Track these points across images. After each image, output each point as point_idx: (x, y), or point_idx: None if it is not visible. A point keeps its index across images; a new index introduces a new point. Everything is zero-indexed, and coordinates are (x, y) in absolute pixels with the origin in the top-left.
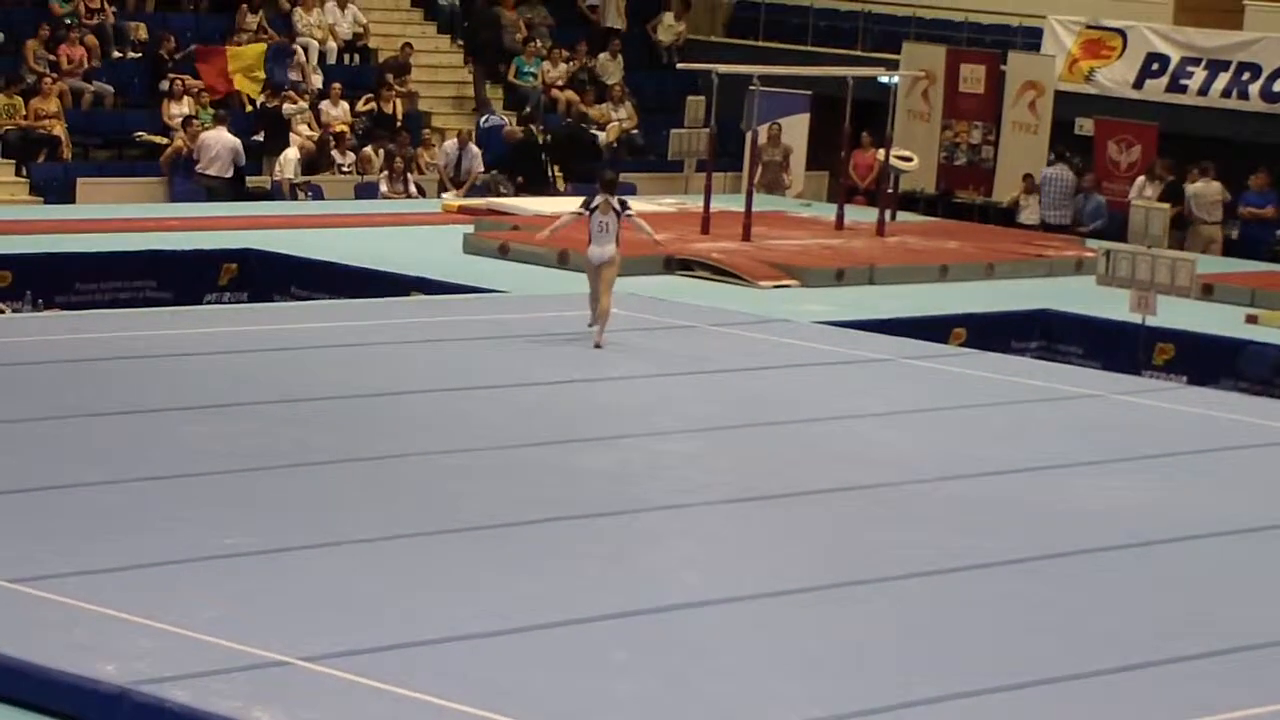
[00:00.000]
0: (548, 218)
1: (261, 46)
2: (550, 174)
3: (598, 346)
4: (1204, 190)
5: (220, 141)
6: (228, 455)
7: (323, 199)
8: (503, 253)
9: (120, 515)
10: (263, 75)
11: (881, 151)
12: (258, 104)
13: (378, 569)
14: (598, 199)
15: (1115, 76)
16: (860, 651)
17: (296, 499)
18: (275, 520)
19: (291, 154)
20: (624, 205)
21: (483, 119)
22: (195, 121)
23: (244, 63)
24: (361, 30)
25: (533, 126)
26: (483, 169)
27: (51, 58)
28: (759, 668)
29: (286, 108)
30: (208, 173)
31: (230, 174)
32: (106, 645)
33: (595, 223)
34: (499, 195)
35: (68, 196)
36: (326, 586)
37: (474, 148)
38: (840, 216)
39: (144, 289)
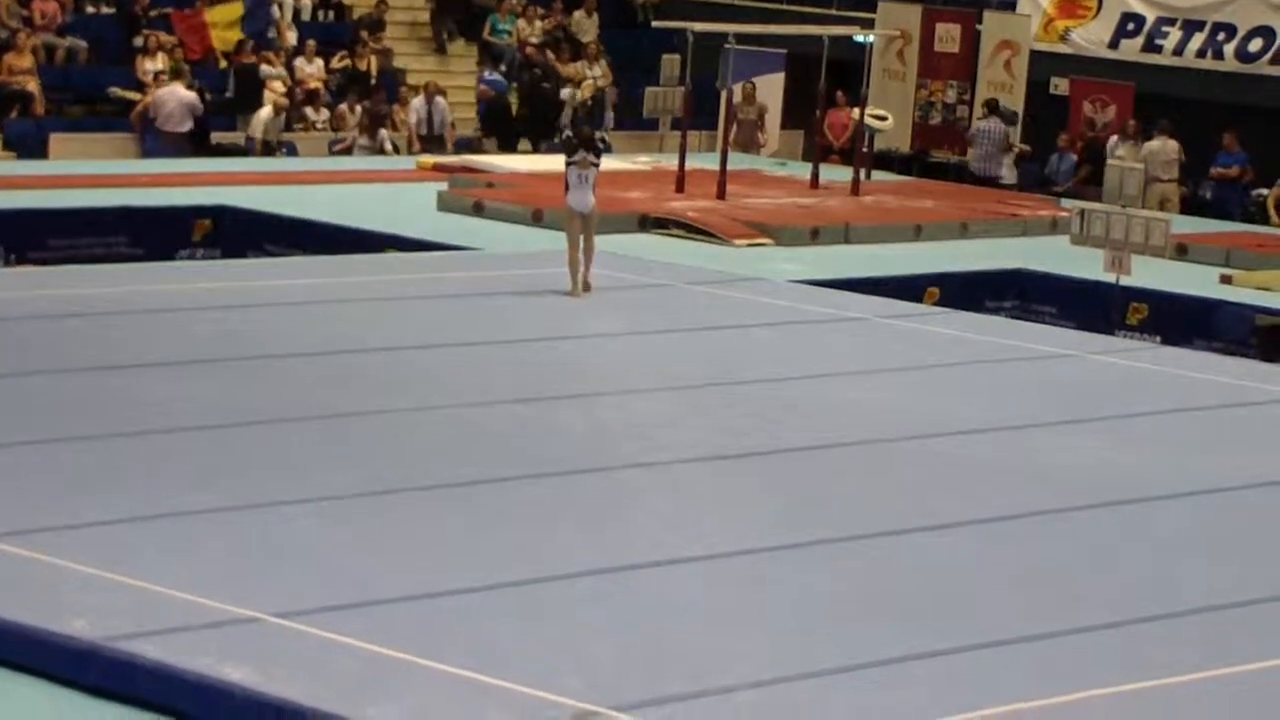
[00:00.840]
0: (523, 175)
1: (239, 7)
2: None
3: (587, 288)
4: (1160, 148)
5: (175, 97)
6: (199, 412)
7: (297, 156)
8: (477, 210)
9: (90, 472)
10: (239, 34)
11: (856, 110)
12: (232, 61)
13: (349, 526)
14: (577, 154)
15: (1090, 36)
16: (831, 609)
17: (268, 456)
18: (246, 477)
19: (265, 113)
20: (597, 152)
21: (486, 73)
22: (162, 76)
23: (223, 21)
24: None
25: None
26: (449, 120)
27: (25, 13)
28: (732, 625)
29: (264, 68)
30: (164, 129)
31: (187, 128)
32: (76, 601)
33: (574, 174)
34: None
35: (41, 152)
36: (298, 543)
37: (441, 101)
38: (815, 175)
39: (116, 245)
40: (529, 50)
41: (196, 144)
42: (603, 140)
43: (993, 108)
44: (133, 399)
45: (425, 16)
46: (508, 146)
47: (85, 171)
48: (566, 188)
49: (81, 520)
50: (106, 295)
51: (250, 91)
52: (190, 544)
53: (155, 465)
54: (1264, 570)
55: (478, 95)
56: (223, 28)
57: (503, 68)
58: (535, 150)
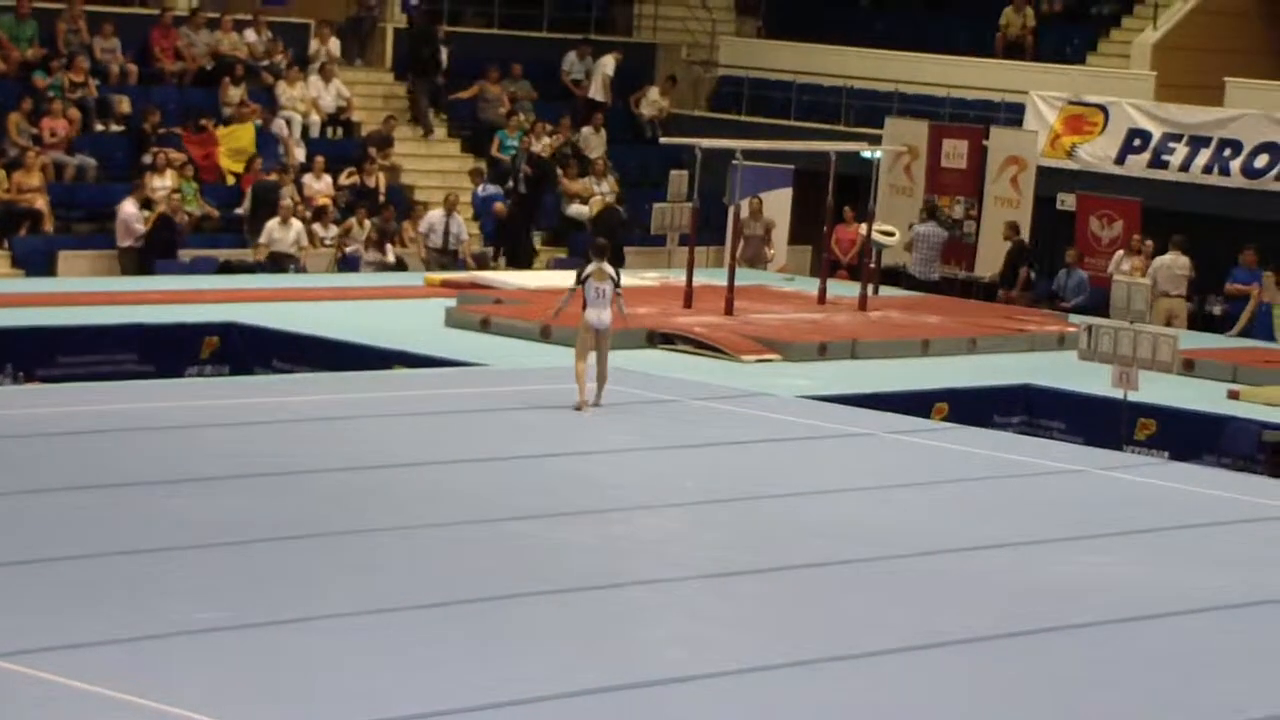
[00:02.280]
0: (531, 292)
1: (250, 129)
2: (534, 248)
3: (597, 405)
4: (1171, 263)
5: (121, 213)
6: (209, 529)
7: (304, 272)
8: (485, 326)
9: (101, 589)
10: (253, 150)
11: (864, 226)
12: (251, 181)
13: (359, 645)
14: (591, 266)
15: (1097, 152)
16: None
17: (278, 573)
18: (256, 595)
19: (273, 224)
20: (617, 278)
21: (479, 188)
22: (175, 195)
23: (236, 144)
24: (345, 104)
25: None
26: (465, 237)
27: (34, 130)
28: None
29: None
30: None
31: (127, 245)
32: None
33: (591, 289)
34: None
35: (49, 269)
36: (308, 662)
37: (458, 217)
38: (823, 291)
39: (125, 362)
40: (531, 149)
41: (144, 260)
42: (615, 273)
43: (931, 212)
44: (140, 516)
45: (435, 133)
46: (520, 261)
47: (93, 289)
48: (584, 304)
49: (86, 639)
50: (115, 412)
51: (269, 210)
52: (197, 662)
53: (162, 582)
54: (1270, 688)
55: (494, 213)
56: (235, 150)
57: (510, 183)
58: (516, 259)
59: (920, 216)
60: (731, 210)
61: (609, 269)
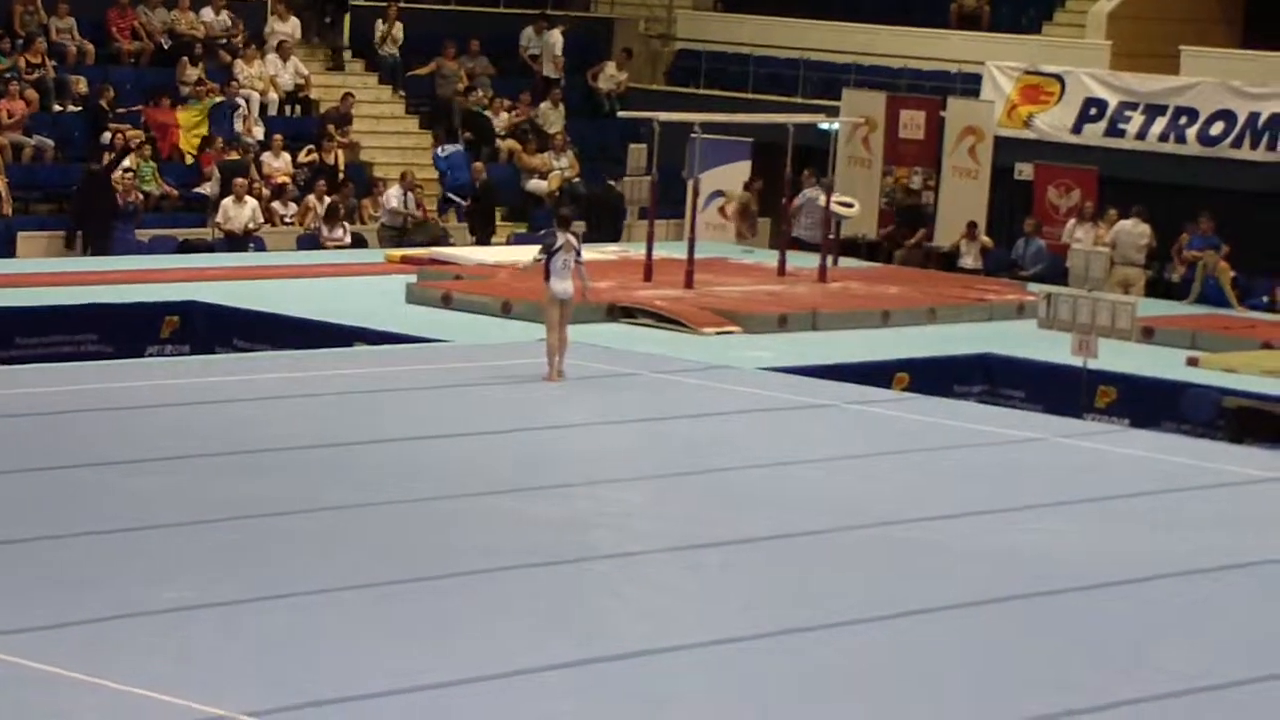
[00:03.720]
0: (491, 267)
1: (204, 109)
2: (495, 223)
3: (560, 375)
4: (1131, 231)
5: None
6: (171, 509)
7: (264, 250)
8: (445, 302)
9: (63, 570)
10: (205, 131)
11: (823, 197)
12: (212, 160)
13: (323, 621)
14: (560, 239)
15: (1054, 121)
16: (803, 697)
17: (241, 552)
18: (220, 573)
19: (228, 202)
20: (579, 250)
21: (439, 149)
22: (129, 175)
23: (190, 121)
24: (303, 81)
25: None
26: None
27: None
28: (705, 714)
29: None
30: None
31: None
32: (49, 704)
33: (559, 260)
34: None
35: (8, 251)
36: (273, 640)
37: (412, 195)
38: (782, 262)
39: (85, 343)
40: (497, 142)
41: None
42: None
43: (817, 177)
44: (102, 496)
45: (390, 110)
46: (484, 235)
47: (52, 270)
48: (547, 274)
49: (54, 620)
50: (75, 393)
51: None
52: (162, 642)
53: (126, 562)
54: (1241, 650)
55: (473, 173)
56: (188, 128)
57: (459, 145)
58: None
59: (808, 182)
60: (690, 183)
61: (574, 241)
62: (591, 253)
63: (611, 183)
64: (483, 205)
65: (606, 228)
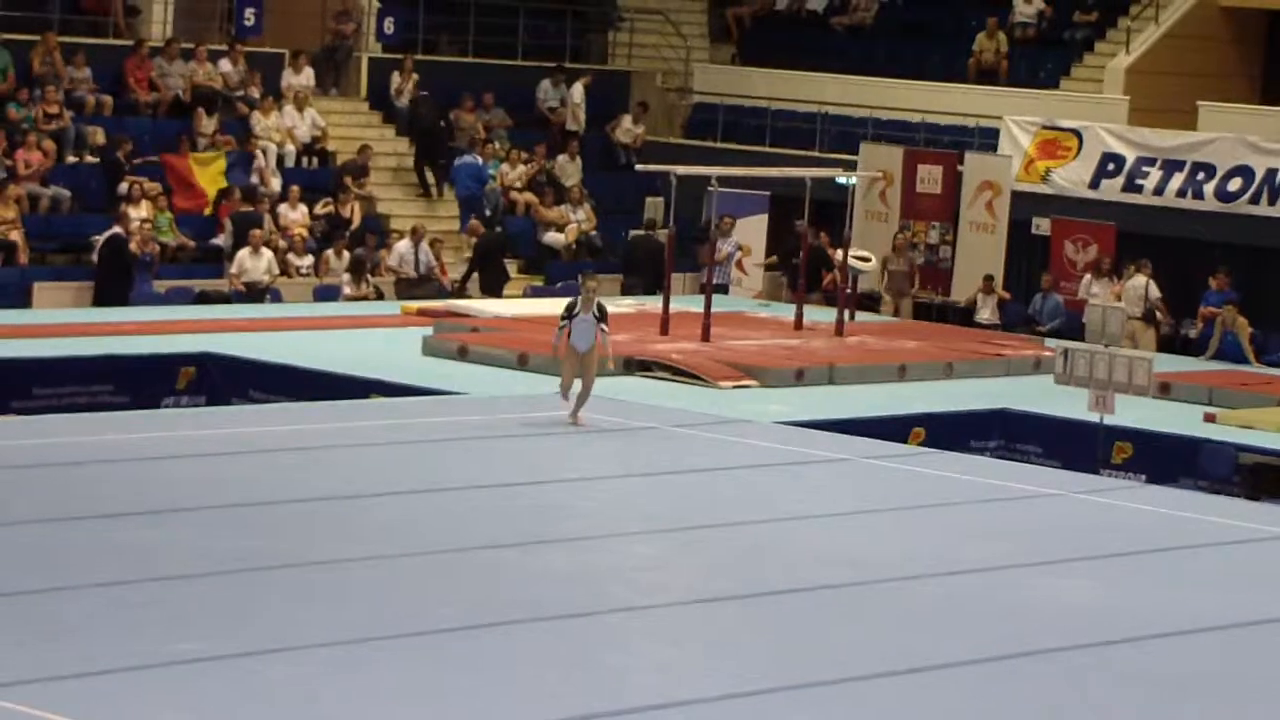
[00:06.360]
0: (508, 320)
1: (222, 157)
2: (507, 274)
3: (576, 421)
4: (1130, 284)
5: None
6: (184, 560)
7: (281, 301)
8: (462, 354)
9: (75, 621)
10: (223, 183)
11: (840, 251)
12: (229, 211)
13: (337, 675)
14: (580, 303)
15: (1071, 176)
16: None
17: (255, 604)
18: (234, 626)
19: (244, 253)
20: (602, 313)
21: (455, 159)
22: (147, 225)
23: (207, 170)
24: (320, 133)
25: (497, 228)
26: (438, 267)
27: (9, 163)
28: None
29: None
30: None
31: None
32: None
33: (580, 322)
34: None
35: (24, 301)
36: (286, 693)
37: (427, 246)
38: (799, 316)
39: (101, 393)
40: (513, 194)
41: (98, 292)
42: (600, 309)
43: (725, 233)
44: (117, 547)
45: (409, 162)
46: (496, 287)
47: (69, 320)
48: (569, 335)
49: (59, 671)
50: (91, 444)
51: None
52: (172, 694)
53: (139, 614)
54: (1254, 708)
55: (469, 230)
56: (207, 178)
57: (487, 211)
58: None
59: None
60: (712, 231)
61: (595, 306)
62: (609, 306)
63: (652, 232)
64: (488, 259)
65: (649, 278)
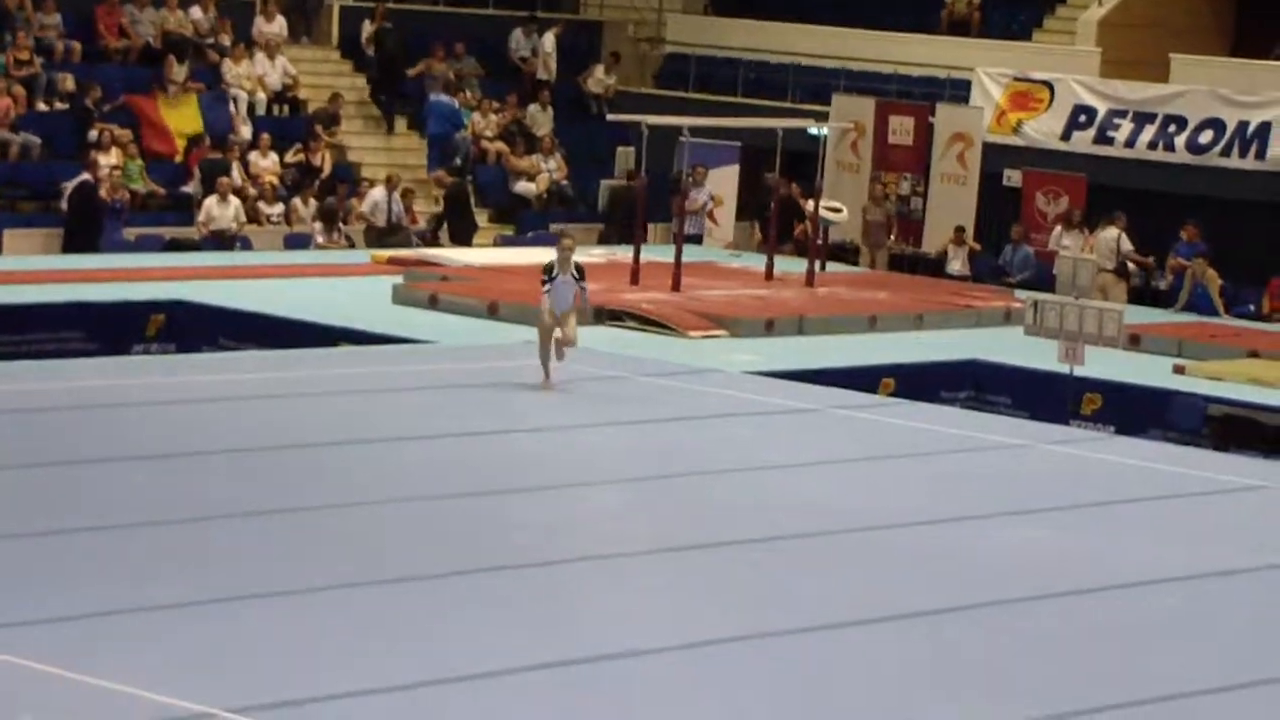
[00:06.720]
0: (478, 268)
1: (194, 102)
2: (476, 224)
3: (548, 386)
4: (1102, 237)
5: None
6: (152, 507)
7: (251, 249)
8: (432, 303)
9: (47, 567)
10: (200, 128)
11: (811, 202)
12: (198, 159)
13: (303, 621)
14: (558, 263)
15: (1043, 128)
16: (776, 703)
17: (222, 551)
18: (201, 572)
19: (211, 201)
20: (580, 272)
21: (431, 95)
22: (116, 171)
23: (180, 114)
24: (291, 81)
25: (465, 178)
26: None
27: None
28: (683, 718)
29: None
30: None
31: None
32: (30, 699)
33: (560, 283)
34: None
35: None
36: (253, 638)
37: (399, 196)
38: (770, 267)
39: (71, 340)
40: (484, 143)
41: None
42: (578, 268)
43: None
44: (85, 495)
45: (378, 111)
46: (464, 237)
47: (38, 267)
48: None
49: (31, 617)
50: (59, 391)
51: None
52: (143, 640)
53: (107, 561)
54: (1221, 657)
55: (434, 180)
56: (177, 120)
57: (457, 160)
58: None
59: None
60: (684, 181)
61: (574, 263)
62: (579, 255)
63: (632, 183)
64: (456, 209)
65: (627, 228)
